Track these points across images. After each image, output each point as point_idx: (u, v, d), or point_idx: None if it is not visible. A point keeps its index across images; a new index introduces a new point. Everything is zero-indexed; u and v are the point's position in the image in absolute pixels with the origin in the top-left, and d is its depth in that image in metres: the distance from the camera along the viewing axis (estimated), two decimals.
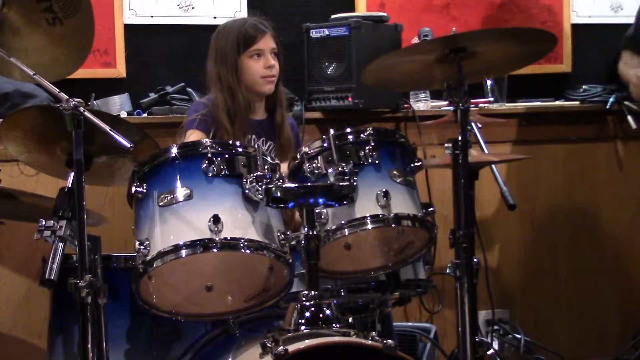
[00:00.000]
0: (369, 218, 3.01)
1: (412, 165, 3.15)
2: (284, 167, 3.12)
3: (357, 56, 4.28)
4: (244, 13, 4.48)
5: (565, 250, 4.85)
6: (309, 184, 3.00)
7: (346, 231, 3.01)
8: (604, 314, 4.87)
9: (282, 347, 2.64)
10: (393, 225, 3.03)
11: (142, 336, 3.20)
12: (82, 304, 2.78)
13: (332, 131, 3.08)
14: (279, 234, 2.95)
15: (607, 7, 5.10)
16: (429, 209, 3.12)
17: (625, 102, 4.77)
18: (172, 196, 2.93)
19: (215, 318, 3.11)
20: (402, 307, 4.36)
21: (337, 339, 2.73)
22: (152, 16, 4.48)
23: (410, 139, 3.23)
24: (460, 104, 3.02)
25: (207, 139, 3.34)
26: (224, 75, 3.67)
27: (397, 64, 3.18)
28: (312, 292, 2.82)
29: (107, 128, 2.76)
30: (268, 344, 2.71)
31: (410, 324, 4.28)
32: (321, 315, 2.80)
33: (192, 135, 3.62)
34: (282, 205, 2.88)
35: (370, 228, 3.02)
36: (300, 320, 2.79)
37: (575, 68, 5.04)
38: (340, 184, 2.88)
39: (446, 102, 4.44)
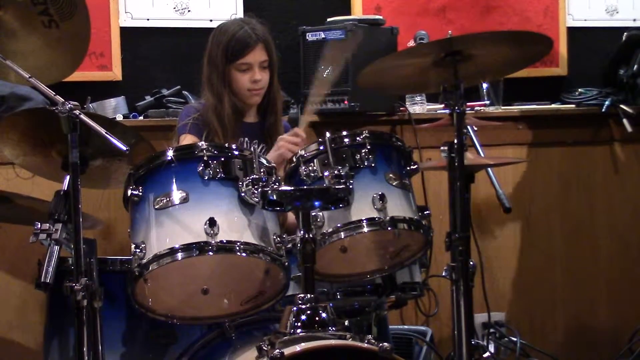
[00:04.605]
0: (365, 221, 3.00)
1: (408, 168, 3.14)
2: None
3: (353, 59, 4.27)
4: (239, 16, 4.47)
5: (561, 253, 4.85)
6: (305, 187, 2.99)
7: (342, 234, 3.00)
8: (600, 316, 4.87)
9: (278, 350, 2.63)
10: (389, 229, 3.02)
11: (138, 339, 3.19)
12: (77, 308, 2.77)
13: (328, 134, 3.07)
14: (274, 237, 2.94)
15: (603, 11, 5.11)
16: (425, 212, 3.12)
17: (621, 106, 4.77)
18: (168, 199, 2.93)
19: (211, 321, 3.10)
20: (398, 310, 4.37)
21: (333, 342, 2.73)
22: (148, 19, 4.47)
23: (406, 142, 3.22)
24: (456, 107, 3.02)
25: (203, 142, 3.34)
26: (214, 80, 3.69)
27: (393, 67, 3.18)
28: (308, 295, 2.82)
29: (102, 131, 2.76)
30: (264, 347, 2.71)
31: (406, 327, 4.28)
32: (317, 318, 2.79)
33: (186, 140, 3.63)
34: (278, 209, 2.88)
35: (366, 231, 3.02)
36: (296, 324, 2.79)
37: (571, 71, 5.04)
38: (336, 187, 2.87)
39: (442, 105, 4.44)
